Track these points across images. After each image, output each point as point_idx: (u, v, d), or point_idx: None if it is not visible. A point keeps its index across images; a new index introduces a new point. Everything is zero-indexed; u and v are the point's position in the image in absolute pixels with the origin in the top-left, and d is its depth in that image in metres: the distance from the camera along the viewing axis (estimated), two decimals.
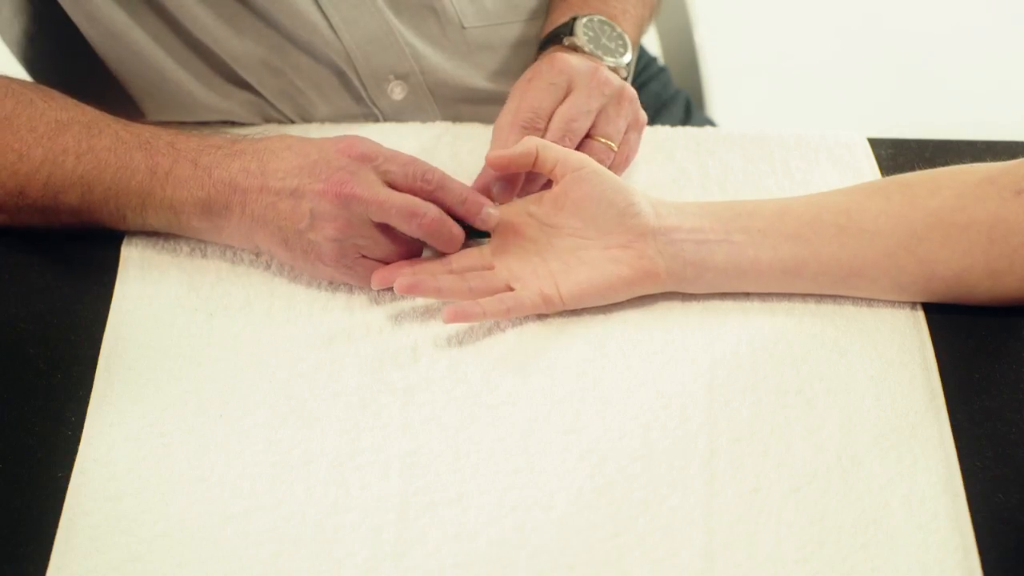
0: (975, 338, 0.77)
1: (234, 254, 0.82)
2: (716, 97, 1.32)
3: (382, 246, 0.77)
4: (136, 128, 0.80)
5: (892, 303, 0.78)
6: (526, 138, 0.79)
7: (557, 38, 0.91)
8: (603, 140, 0.84)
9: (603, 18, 0.91)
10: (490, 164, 0.79)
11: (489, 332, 0.78)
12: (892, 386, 0.74)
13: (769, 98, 2.06)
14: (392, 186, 0.77)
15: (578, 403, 0.73)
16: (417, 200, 0.77)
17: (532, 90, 0.84)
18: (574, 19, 0.91)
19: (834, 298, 0.79)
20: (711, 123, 1.25)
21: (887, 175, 0.84)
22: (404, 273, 0.76)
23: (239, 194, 0.76)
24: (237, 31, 0.89)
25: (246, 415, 0.73)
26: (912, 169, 0.80)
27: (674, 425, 0.72)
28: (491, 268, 0.79)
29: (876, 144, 0.92)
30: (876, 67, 2.15)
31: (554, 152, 0.78)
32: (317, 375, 0.75)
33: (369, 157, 0.76)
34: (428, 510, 0.68)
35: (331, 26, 0.91)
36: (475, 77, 0.98)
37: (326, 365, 0.76)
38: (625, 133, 0.86)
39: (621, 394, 0.74)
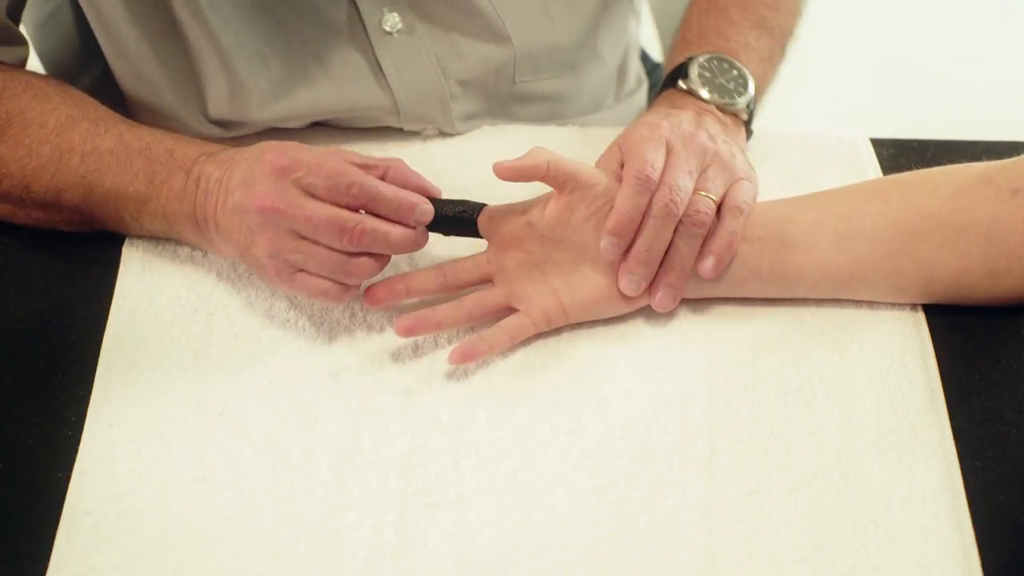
0: (975, 338, 0.77)
1: None
2: None
3: (319, 258, 0.72)
4: (140, 131, 0.79)
5: (892, 304, 0.78)
6: (536, 149, 0.76)
7: (673, 81, 0.86)
8: (704, 193, 0.77)
9: (720, 55, 0.86)
10: (498, 174, 0.75)
11: None
12: (892, 386, 0.74)
13: (770, 98, 2.05)
14: (318, 199, 0.72)
15: (578, 403, 0.73)
16: (345, 214, 0.72)
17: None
18: (689, 59, 0.86)
19: (834, 299, 0.79)
20: None
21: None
22: (403, 319, 0.75)
23: (211, 207, 0.76)
24: (278, 96, 0.86)
25: (246, 415, 0.73)
26: (913, 170, 0.79)
27: (674, 425, 0.72)
28: (488, 280, 0.78)
29: (878, 144, 0.91)
30: (877, 67, 2.15)
31: (567, 168, 0.75)
32: (317, 375, 0.75)
33: (288, 170, 0.72)
34: (428, 510, 0.68)
35: (382, 72, 0.88)
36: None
37: (326, 365, 0.75)
38: (721, 218, 0.76)
39: (621, 394, 0.74)
